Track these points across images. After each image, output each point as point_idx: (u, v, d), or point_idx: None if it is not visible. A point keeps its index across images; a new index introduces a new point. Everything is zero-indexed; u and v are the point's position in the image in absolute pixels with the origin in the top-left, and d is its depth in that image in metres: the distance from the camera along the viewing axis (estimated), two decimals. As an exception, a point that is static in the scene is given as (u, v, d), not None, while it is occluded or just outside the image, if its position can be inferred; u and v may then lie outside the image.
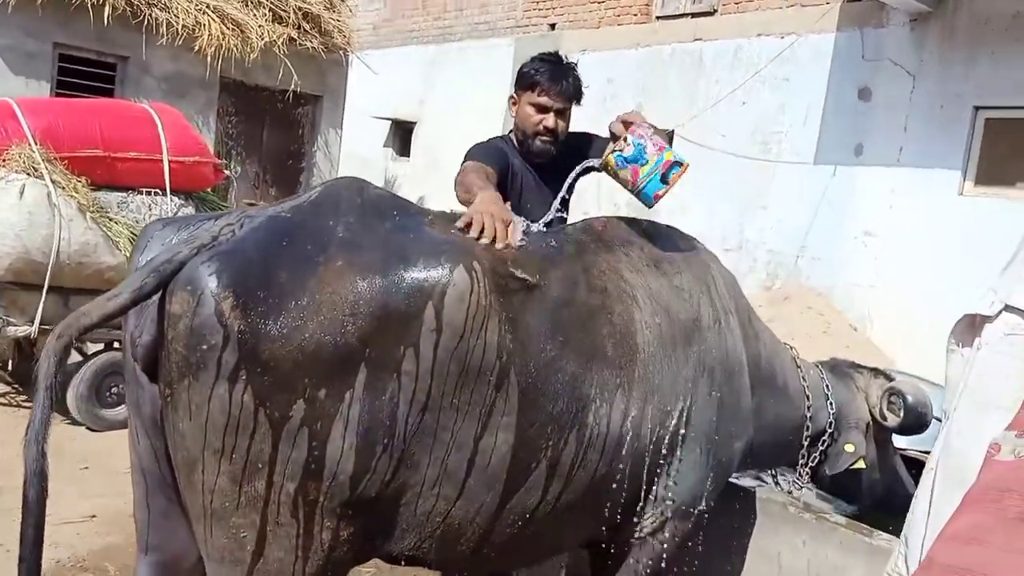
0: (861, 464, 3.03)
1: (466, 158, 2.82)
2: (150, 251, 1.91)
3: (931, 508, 1.75)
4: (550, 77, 2.87)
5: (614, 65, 11.21)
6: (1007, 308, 1.77)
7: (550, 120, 2.89)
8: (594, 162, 2.55)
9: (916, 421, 3.00)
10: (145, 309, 1.78)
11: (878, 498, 3.19)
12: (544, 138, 2.91)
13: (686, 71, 10.47)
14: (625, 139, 2.42)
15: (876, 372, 3.27)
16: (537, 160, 2.96)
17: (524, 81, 2.94)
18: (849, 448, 3.02)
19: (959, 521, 1.51)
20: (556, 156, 2.94)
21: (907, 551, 1.81)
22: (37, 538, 1.66)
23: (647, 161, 2.41)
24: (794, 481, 3.06)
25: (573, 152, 2.98)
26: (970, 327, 1.87)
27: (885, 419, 3.06)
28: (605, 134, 2.71)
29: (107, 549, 3.58)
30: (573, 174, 2.62)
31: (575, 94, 2.92)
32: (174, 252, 1.74)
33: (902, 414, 3.00)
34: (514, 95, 3.00)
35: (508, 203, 2.63)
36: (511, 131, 3.06)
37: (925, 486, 1.81)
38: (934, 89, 8.19)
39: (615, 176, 2.46)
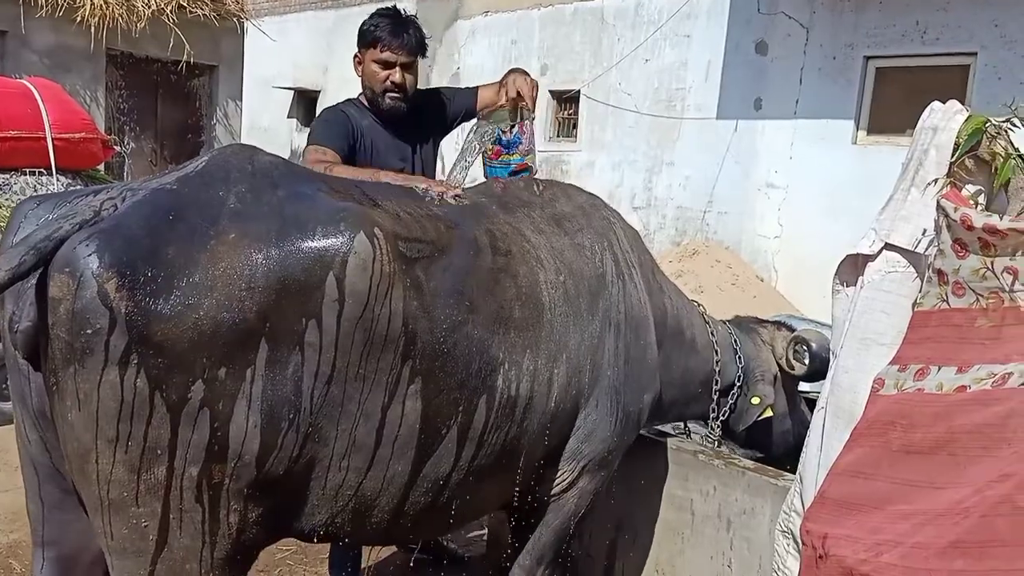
0: (769, 412, 3.14)
1: (308, 138, 2.86)
2: (23, 230, 1.79)
3: (822, 445, 1.82)
4: (391, 32, 2.86)
5: (518, 26, 11.14)
6: (887, 246, 1.84)
7: (396, 75, 2.89)
8: (486, 126, 2.71)
9: (822, 366, 3.10)
10: (23, 293, 1.67)
11: (790, 446, 3.30)
12: (393, 94, 2.92)
13: (589, 30, 10.48)
14: (512, 126, 2.68)
15: (779, 325, 3.39)
16: (389, 116, 2.97)
17: (365, 39, 2.92)
18: (755, 400, 3.12)
19: (847, 456, 1.58)
20: (413, 112, 2.99)
21: (802, 488, 1.88)
22: None
23: (512, 152, 2.68)
24: (706, 436, 3.15)
25: (432, 107, 3.03)
26: (853, 267, 1.94)
27: (792, 368, 3.17)
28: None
29: (12, 546, 3.44)
30: (471, 133, 2.71)
31: (418, 47, 2.93)
32: (53, 228, 1.62)
33: (808, 361, 3.11)
34: (358, 54, 2.97)
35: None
36: (360, 93, 3.04)
37: (816, 424, 1.88)
38: (826, 40, 8.41)
39: (479, 137, 2.68)
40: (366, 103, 3.01)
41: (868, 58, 8.21)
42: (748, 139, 9.00)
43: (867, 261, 1.87)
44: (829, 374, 1.89)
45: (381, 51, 2.88)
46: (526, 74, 2.88)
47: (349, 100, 3.07)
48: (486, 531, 3.59)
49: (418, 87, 3.04)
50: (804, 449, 1.91)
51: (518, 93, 2.74)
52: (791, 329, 3.31)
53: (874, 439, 1.58)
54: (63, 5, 8.44)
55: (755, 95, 8.94)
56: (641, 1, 9.98)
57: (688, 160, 9.54)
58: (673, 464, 2.96)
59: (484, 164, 2.76)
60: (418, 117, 3.06)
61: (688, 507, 2.91)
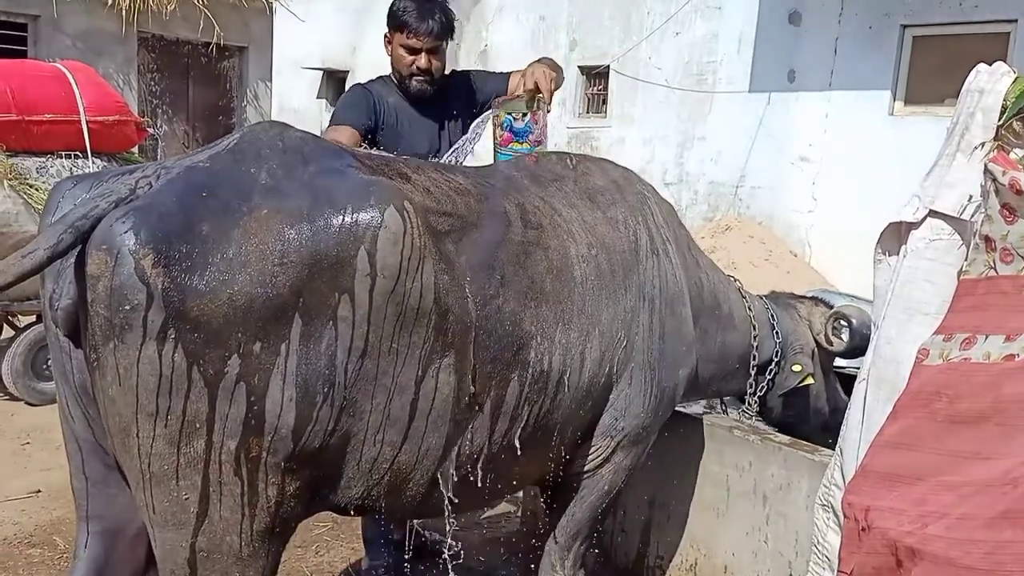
0: (810, 380, 3.11)
1: (332, 116, 2.90)
2: (62, 210, 1.81)
3: (864, 417, 1.79)
4: (417, 17, 2.89)
5: (546, 2, 11.03)
6: (931, 213, 1.79)
7: (422, 61, 2.93)
8: (494, 112, 2.82)
9: (862, 342, 3.06)
10: (63, 271, 1.70)
11: (824, 424, 3.27)
12: (419, 78, 2.96)
13: (619, 4, 10.35)
14: (524, 114, 2.73)
15: (816, 300, 3.35)
16: (416, 98, 3.01)
17: (393, 22, 2.95)
18: (796, 368, 3.09)
19: (891, 428, 1.54)
20: (442, 92, 3.02)
21: (842, 461, 1.85)
22: None
23: (522, 141, 2.73)
24: (743, 411, 3.12)
25: (463, 89, 3.05)
26: (895, 235, 1.89)
27: (831, 344, 3.13)
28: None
29: (55, 523, 3.52)
30: (480, 118, 2.83)
31: (444, 32, 2.94)
32: (91, 207, 1.64)
33: (848, 337, 3.07)
34: (387, 34, 2.98)
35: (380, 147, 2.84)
36: (391, 71, 3.08)
37: (858, 396, 1.84)
38: (862, 9, 8.23)
39: (484, 121, 2.81)
40: (395, 81, 3.04)
41: (905, 27, 8.03)
42: (781, 112, 8.86)
43: (910, 229, 1.82)
44: (871, 345, 1.85)
45: (407, 37, 2.91)
46: (552, 65, 2.90)
47: (380, 77, 3.10)
48: (516, 508, 3.60)
49: (451, 68, 3.06)
50: (845, 422, 1.88)
51: (536, 84, 2.76)
52: (828, 305, 3.27)
53: (918, 410, 1.54)
54: (95, -11, 8.51)
55: (788, 67, 8.79)
56: (671, -27, 9.83)
57: (720, 134, 9.42)
58: (708, 440, 2.94)
59: (494, 149, 2.81)
60: (447, 98, 3.07)
61: (723, 483, 2.89)
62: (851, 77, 8.30)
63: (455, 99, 3.09)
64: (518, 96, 2.78)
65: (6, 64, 5.85)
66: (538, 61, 2.90)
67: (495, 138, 2.80)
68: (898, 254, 1.85)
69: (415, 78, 2.94)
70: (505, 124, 2.74)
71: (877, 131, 8.09)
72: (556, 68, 2.96)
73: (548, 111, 2.81)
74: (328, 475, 1.86)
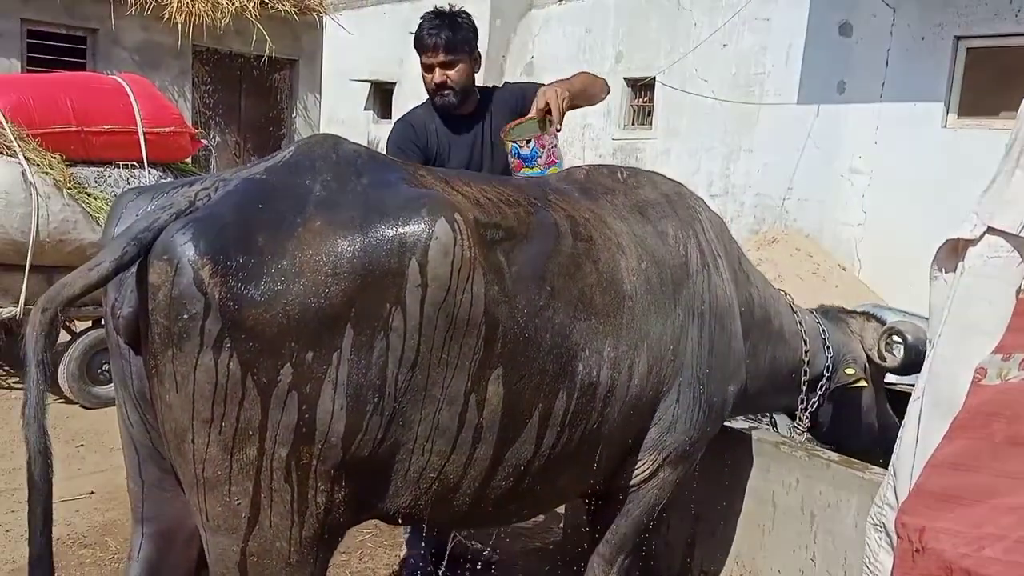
0: (864, 383, 3.08)
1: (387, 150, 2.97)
2: (123, 221, 1.87)
3: (919, 436, 1.75)
4: (426, 35, 2.97)
5: (592, 15, 11.06)
6: (989, 230, 1.76)
7: (437, 76, 2.99)
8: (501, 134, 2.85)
9: (917, 359, 3.00)
10: (124, 281, 1.75)
11: (873, 441, 3.22)
12: (442, 93, 3.01)
13: (665, 16, 10.33)
14: (529, 141, 2.75)
15: (868, 315, 3.29)
16: (445, 113, 3.07)
17: (414, 45, 3.04)
18: (850, 371, 3.06)
19: (947, 448, 1.51)
20: (480, 108, 3.09)
21: (896, 481, 1.81)
22: (46, 517, 1.64)
23: (532, 166, 2.75)
24: (793, 427, 3.08)
25: (501, 102, 3.14)
26: (952, 252, 1.85)
27: (884, 360, 3.08)
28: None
29: (107, 525, 3.60)
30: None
31: (454, 44, 2.97)
32: (152, 219, 1.69)
33: (902, 353, 3.02)
34: None
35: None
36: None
37: (912, 415, 1.81)
38: (915, 21, 8.11)
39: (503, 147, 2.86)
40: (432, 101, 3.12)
41: (959, 38, 7.88)
42: (830, 124, 8.76)
43: (968, 246, 1.79)
44: (926, 363, 1.81)
45: (421, 55, 3.01)
46: (583, 80, 2.94)
47: (422, 104, 3.16)
48: (559, 519, 3.60)
49: (495, 83, 3.10)
50: (898, 441, 1.84)
51: (547, 105, 2.77)
52: (880, 320, 3.22)
53: (976, 430, 1.51)
54: (151, 3, 8.73)
55: (838, 78, 8.68)
56: (719, -15, 9.79)
57: (767, 146, 9.33)
58: (755, 455, 2.91)
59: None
60: (485, 112, 3.11)
61: (770, 499, 2.86)
62: (903, 89, 8.17)
63: (497, 112, 3.11)
64: (529, 118, 2.80)
65: (67, 76, 6.06)
66: (552, 84, 2.91)
67: (509, 165, 2.85)
68: (955, 271, 1.81)
69: (437, 94, 3.01)
70: (513, 152, 2.79)
71: (930, 144, 7.95)
72: (589, 83, 2.96)
73: (558, 130, 2.82)
74: (376, 484, 1.88)
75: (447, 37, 2.95)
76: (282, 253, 1.70)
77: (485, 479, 1.99)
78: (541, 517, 3.63)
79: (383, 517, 2.00)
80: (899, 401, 3.54)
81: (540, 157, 2.76)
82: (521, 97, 3.14)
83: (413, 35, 3.06)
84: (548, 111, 2.77)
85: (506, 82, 3.21)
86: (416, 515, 1.99)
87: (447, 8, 3.04)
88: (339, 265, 1.72)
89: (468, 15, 3.04)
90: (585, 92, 2.96)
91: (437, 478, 1.92)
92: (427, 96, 3.11)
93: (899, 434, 1.87)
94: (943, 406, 1.68)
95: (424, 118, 3.07)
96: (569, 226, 2.16)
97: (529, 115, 2.82)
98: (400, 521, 2.04)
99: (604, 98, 3.16)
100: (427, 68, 3.00)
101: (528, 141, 2.76)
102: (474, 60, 3.03)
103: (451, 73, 2.97)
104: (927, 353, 1.86)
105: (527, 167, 2.77)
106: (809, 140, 8.92)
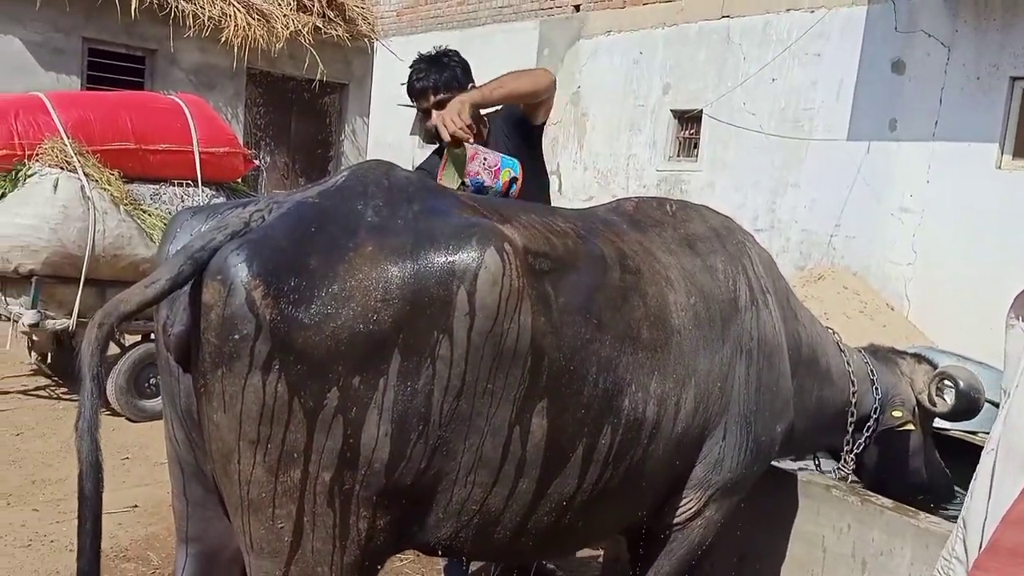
0: (911, 426, 3.00)
1: None
2: (179, 240, 1.89)
3: (992, 489, 1.69)
4: (414, 80, 2.94)
5: (641, 45, 11.08)
6: None
7: (432, 120, 2.80)
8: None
9: (968, 406, 2.93)
10: (177, 299, 1.76)
11: (920, 487, 3.13)
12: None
13: (714, 49, 10.31)
14: (464, 183, 2.52)
15: (919, 358, 3.21)
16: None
17: (407, 92, 2.99)
18: (897, 413, 2.98)
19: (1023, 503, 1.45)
20: (490, 132, 2.96)
21: (966, 534, 1.74)
22: (95, 530, 1.65)
23: (488, 189, 2.54)
24: (839, 468, 3.01)
25: (501, 121, 2.98)
26: (1031, 300, 1.79)
27: (934, 404, 3.00)
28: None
29: (150, 539, 3.62)
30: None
31: (439, 86, 2.90)
32: (208, 239, 1.71)
33: (953, 399, 2.93)
34: None
35: None
36: None
37: (985, 467, 1.74)
38: (970, 60, 7.99)
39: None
40: None
41: (1015, 79, 7.74)
42: (881, 161, 8.63)
43: (1049, 295, 1.73)
44: (1000, 415, 1.75)
45: (415, 103, 2.97)
46: (468, 97, 2.65)
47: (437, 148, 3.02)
48: (599, 554, 3.54)
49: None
50: (969, 493, 1.78)
51: (450, 134, 2.53)
52: (932, 364, 3.13)
53: (1056, 486, 1.45)
54: (209, 26, 8.95)
55: (890, 116, 8.57)
56: (769, 20, 9.75)
57: (815, 182, 9.22)
58: (803, 498, 2.84)
59: None
60: (488, 136, 2.97)
61: (819, 544, 2.78)
62: (957, 128, 8.03)
63: (497, 131, 2.98)
64: (446, 160, 2.61)
65: (128, 95, 6.21)
66: (496, 78, 2.73)
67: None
68: (1034, 320, 1.75)
69: (438, 138, 2.81)
70: (470, 191, 2.49)
71: (983, 184, 7.79)
72: (509, 80, 2.71)
73: (470, 141, 2.55)
74: (418, 513, 1.86)
75: (434, 80, 2.91)
76: (333, 277, 1.71)
77: (527, 513, 1.96)
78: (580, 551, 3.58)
79: (423, 548, 1.98)
80: (949, 445, 3.45)
81: (486, 179, 2.56)
82: (507, 117, 2.99)
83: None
84: (453, 136, 2.54)
85: (490, 113, 3.00)
86: (457, 547, 1.96)
87: (433, 50, 3.01)
88: (389, 290, 1.72)
89: (455, 52, 2.99)
90: (504, 90, 2.70)
91: (479, 510, 1.89)
92: (433, 152, 3.04)
93: (971, 485, 1.81)
94: (1018, 459, 1.62)
95: (436, 162, 2.91)
96: (617, 258, 2.15)
97: (444, 157, 2.67)
98: (440, 553, 2.02)
99: (544, 87, 2.81)
100: (425, 113, 2.94)
101: (463, 180, 2.54)
102: None
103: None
104: (1001, 404, 1.79)
105: (487, 190, 2.55)
106: (859, 177, 8.80)
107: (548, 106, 2.92)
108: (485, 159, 2.59)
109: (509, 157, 2.67)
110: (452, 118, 2.52)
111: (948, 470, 3.27)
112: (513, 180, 2.62)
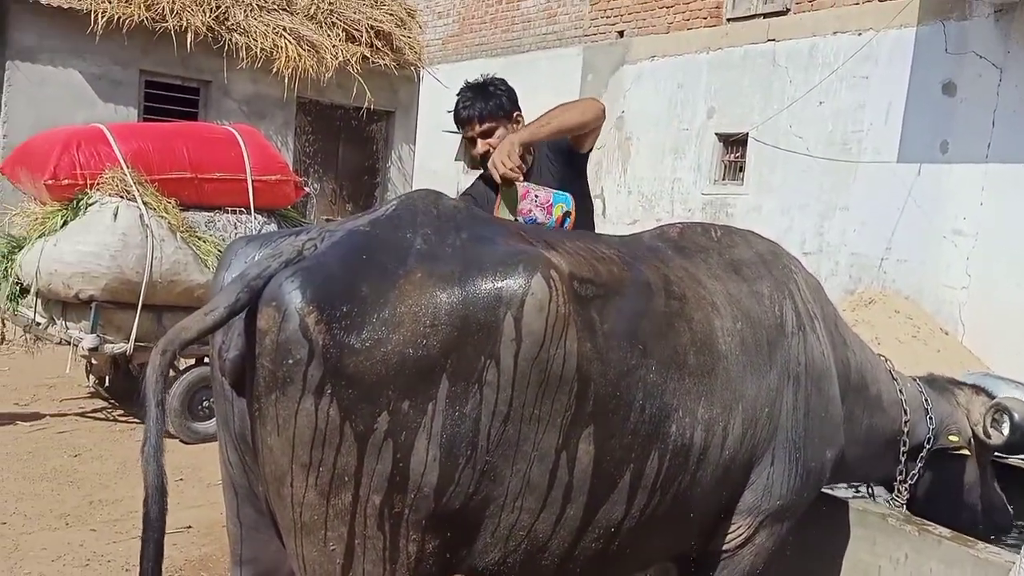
0: (965, 452, 2.95)
1: None
2: (234, 268, 1.95)
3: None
4: (460, 109, 2.96)
5: (685, 70, 11.08)
6: None
7: (480, 147, 2.93)
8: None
9: (1023, 439, 2.86)
10: (232, 325, 1.81)
11: (974, 521, 3.05)
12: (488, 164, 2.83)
13: (759, 73, 10.27)
14: (516, 220, 2.55)
15: (977, 389, 3.14)
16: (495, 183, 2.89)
17: (453, 120, 3.02)
18: (953, 437, 2.92)
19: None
20: (535, 161, 2.96)
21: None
22: (157, 553, 1.69)
23: (540, 223, 2.57)
24: (892, 499, 2.95)
25: (544, 161, 2.98)
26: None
27: (989, 436, 2.93)
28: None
29: (203, 559, 3.68)
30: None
31: (486, 114, 2.93)
32: (263, 267, 1.76)
33: (1008, 431, 2.87)
34: None
35: None
36: None
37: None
38: (1022, 81, 7.84)
39: None
40: None
41: (1070, 99, 7.58)
42: (932, 183, 8.49)
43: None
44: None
45: (462, 131, 3.00)
46: (519, 135, 2.70)
47: (479, 175, 3.07)
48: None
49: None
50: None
51: (500, 175, 2.60)
52: (990, 395, 3.06)
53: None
54: (261, 58, 9.20)
55: (941, 138, 8.43)
56: (815, 43, 9.69)
57: (864, 205, 9.09)
58: (858, 527, 2.78)
59: None
60: (534, 165, 2.98)
61: (876, 574, 2.72)
62: (1011, 150, 7.87)
63: (543, 159, 2.99)
64: (499, 200, 2.66)
65: (184, 126, 6.41)
66: (545, 113, 2.75)
67: None
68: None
69: (484, 165, 2.89)
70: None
71: (1039, 206, 7.61)
72: (557, 115, 2.72)
73: (520, 180, 2.61)
74: (466, 538, 1.88)
75: (480, 108, 2.93)
76: (383, 303, 1.74)
77: (574, 539, 1.96)
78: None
79: (469, 572, 1.99)
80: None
81: (539, 216, 2.61)
82: (556, 148, 2.98)
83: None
84: (503, 177, 2.61)
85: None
86: (504, 573, 1.97)
87: (480, 78, 3.04)
88: (437, 317, 1.76)
89: (502, 81, 3.02)
90: (551, 126, 2.72)
91: (527, 536, 1.90)
92: (478, 178, 3.06)
93: None
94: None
95: (482, 190, 2.98)
96: (663, 284, 2.15)
97: (497, 196, 2.71)
98: (486, 577, 2.03)
99: (592, 119, 2.82)
100: (470, 141, 2.99)
101: (515, 219, 2.57)
102: (515, 122, 2.95)
103: (492, 141, 2.90)
104: None
105: (542, 225, 2.59)
106: (910, 199, 8.66)
107: (596, 135, 2.94)
108: (536, 196, 2.65)
109: (560, 192, 2.71)
110: (503, 159, 2.60)
111: (1010, 504, 3.18)
112: (567, 214, 2.67)
